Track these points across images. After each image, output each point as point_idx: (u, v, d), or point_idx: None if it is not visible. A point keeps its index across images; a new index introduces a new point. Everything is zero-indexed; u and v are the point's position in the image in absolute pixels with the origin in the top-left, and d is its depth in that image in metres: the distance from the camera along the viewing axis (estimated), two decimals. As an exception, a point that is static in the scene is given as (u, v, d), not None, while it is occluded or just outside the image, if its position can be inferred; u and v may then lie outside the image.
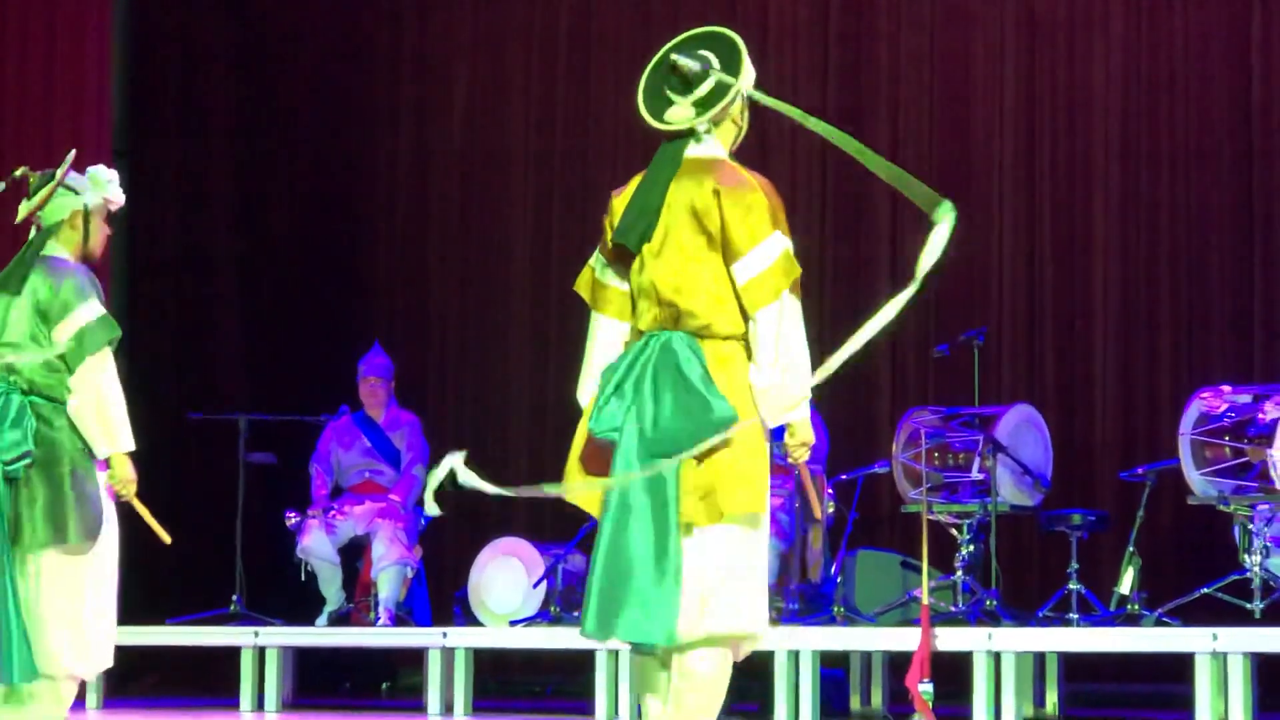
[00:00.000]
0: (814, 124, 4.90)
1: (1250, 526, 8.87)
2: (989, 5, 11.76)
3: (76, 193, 6.80)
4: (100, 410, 6.63)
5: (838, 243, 11.97)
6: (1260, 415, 8.91)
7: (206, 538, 11.98)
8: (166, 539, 6.89)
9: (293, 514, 11.26)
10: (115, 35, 12.85)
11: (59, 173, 6.78)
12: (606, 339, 5.28)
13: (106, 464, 6.72)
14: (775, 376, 5.05)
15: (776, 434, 5.32)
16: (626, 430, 5.06)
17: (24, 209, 6.81)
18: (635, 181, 5.27)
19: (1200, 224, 11.13)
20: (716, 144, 5.25)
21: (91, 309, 6.67)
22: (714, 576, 5.02)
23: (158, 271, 13.26)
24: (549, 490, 4.97)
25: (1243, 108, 11.08)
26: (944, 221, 4.23)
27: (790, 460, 5.24)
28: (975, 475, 9.68)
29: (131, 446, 6.68)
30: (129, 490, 6.72)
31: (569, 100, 12.88)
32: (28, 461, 6.56)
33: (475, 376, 12.94)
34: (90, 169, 6.90)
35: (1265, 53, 11.04)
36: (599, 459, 5.17)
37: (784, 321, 5.07)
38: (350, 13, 13.46)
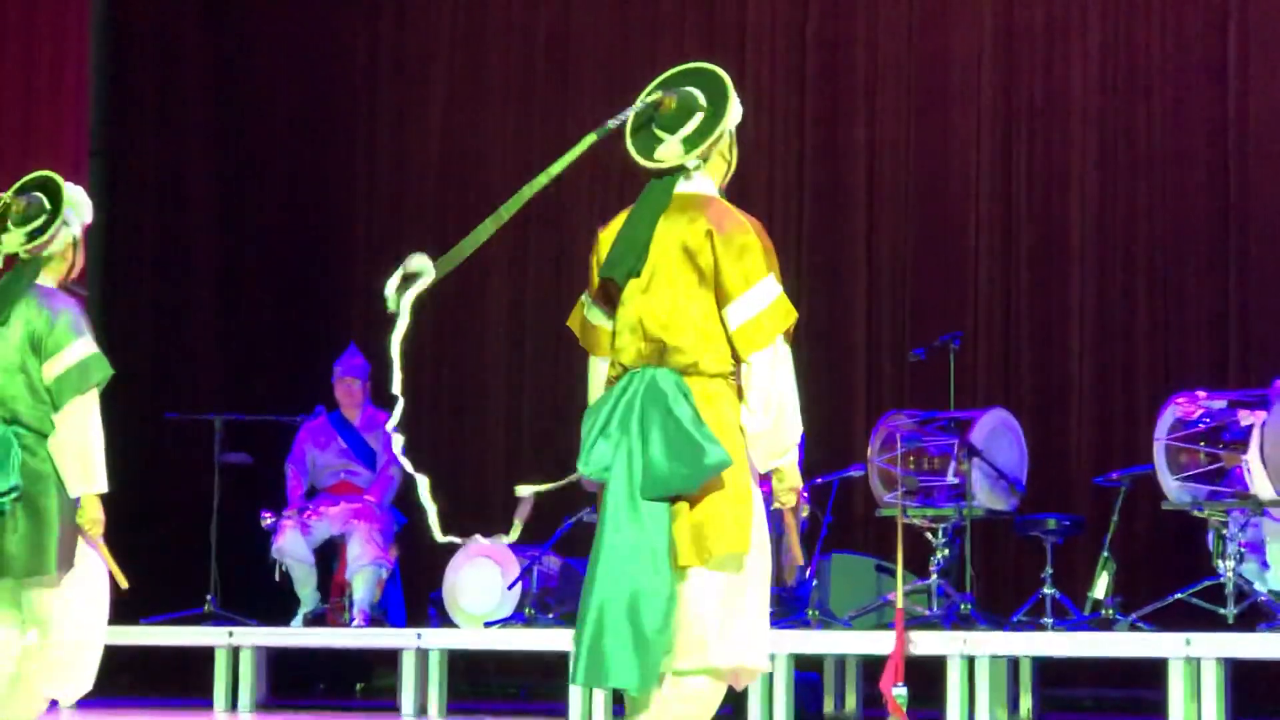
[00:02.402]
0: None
1: (1224, 532, 8.90)
2: (967, 11, 11.78)
3: (67, 224, 6.68)
4: (81, 450, 6.51)
5: (813, 246, 11.96)
6: (1235, 421, 8.94)
7: (181, 538, 11.97)
8: (124, 584, 6.70)
9: (268, 514, 11.25)
10: (93, 34, 12.82)
11: (63, 210, 6.67)
12: (603, 381, 5.21)
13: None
14: (767, 423, 5.01)
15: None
16: (615, 470, 5.00)
17: (13, 244, 6.66)
18: (622, 216, 5.21)
19: (1176, 230, 11.14)
20: (707, 180, 5.18)
21: (85, 345, 6.57)
22: (712, 615, 4.97)
23: (135, 271, 13.23)
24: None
25: (1219, 115, 11.10)
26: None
27: (777, 505, 5.18)
28: (950, 479, 9.68)
29: (105, 488, 6.57)
30: (96, 531, 6.57)
31: (547, 101, 12.87)
32: (15, 496, 6.49)
33: (451, 377, 12.92)
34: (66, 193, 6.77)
35: (1241, 60, 11.06)
36: None
37: (776, 367, 5.02)
38: (328, 13, 13.44)
